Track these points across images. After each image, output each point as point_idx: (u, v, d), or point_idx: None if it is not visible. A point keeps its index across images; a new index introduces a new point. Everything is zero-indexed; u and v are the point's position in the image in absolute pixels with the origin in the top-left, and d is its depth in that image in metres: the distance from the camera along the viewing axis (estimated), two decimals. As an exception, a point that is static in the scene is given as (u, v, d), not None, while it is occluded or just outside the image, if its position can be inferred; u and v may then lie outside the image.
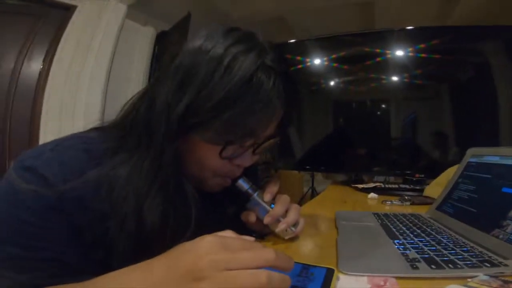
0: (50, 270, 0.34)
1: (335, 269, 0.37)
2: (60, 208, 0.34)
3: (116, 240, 0.36)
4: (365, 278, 0.35)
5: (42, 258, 0.34)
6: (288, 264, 0.29)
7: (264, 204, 0.48)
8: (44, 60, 2.02)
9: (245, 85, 0.37)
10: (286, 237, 0.50)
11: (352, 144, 1.34)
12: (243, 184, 0.48)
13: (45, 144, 0.39)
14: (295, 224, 0.50)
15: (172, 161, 0.39)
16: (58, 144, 0.39)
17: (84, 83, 2.03)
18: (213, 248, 0.27)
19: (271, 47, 0.42)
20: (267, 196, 0.49)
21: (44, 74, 2.00)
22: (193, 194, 0.42)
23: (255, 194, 0.49)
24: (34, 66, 2.01)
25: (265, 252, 0.28)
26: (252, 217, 0.50)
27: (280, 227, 0.48)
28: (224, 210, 0.52)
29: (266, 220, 0.48)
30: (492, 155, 0.57)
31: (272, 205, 0.48)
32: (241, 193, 0.49)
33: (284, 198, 0.50)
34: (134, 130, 0.41)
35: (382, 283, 0.34)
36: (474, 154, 0.64)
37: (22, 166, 0.35)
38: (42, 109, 1.97)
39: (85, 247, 0.36)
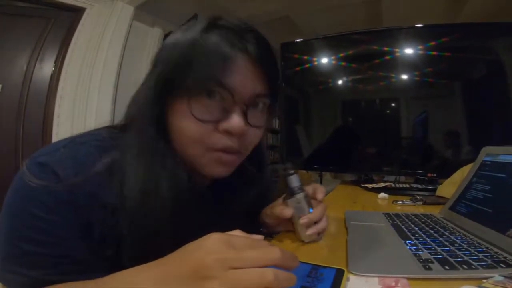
0: (62, 267, 0.34)
1: (345, 269, 0.36)
2: (71, 202, 0.35)
3: (125, 236, 0.37)
4: (375, 279, 0.35)
5: (54, 254, 0.34)
6: (294, 262, 0.29)
7: (306, 206, 0.50)
8: (55, 63, 2.06)
9: (197, 39, 0.39)
10: (307, 240, 0.51)
11: (361, 143, 1.33)
12: (294, 180, 0.50)
13: (59, 141, 0.40)
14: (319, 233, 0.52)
15: (157, 136, 0.41)
16: (71, 141, 0.40)
17: (94, 85, 2.07)
18: (219, 247, 0.27)
19: (238, 19, 0.44)
20: (319, 196, 0.52)
21: (55, 77, 2.04)
22: (185, 179, 0.42)
23: (303, 194, 0.50)
24: (46, 68, 2.05)
25: (271, 251, 0.27)
26: (288, 212, 0.50)
27: (310, 231, 0.50)
28: (235, 205, 0.52)
29: (303, 221, 0.49)
30: (507, 154, 0.56)
31: (311, 209, 0.50)
32: (289, 187, 0.50)
33: (323, 206, 0.52)
34: (131, 125, 0.43)
35: (393, 284, 0.33)
36: (489, 153, 0.63)
37: (35, 162, 0.36)
38: (54, 112, 2.01)
39: (95, 243, 0.36)
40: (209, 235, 0.29)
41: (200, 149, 0.41)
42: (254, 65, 0.40)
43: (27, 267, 0.33)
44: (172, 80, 0.39)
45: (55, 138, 1.97)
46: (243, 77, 0.40)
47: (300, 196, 0.50)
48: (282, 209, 0.52)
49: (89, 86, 2.06)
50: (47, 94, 2.03)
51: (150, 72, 0.44)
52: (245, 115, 0.41)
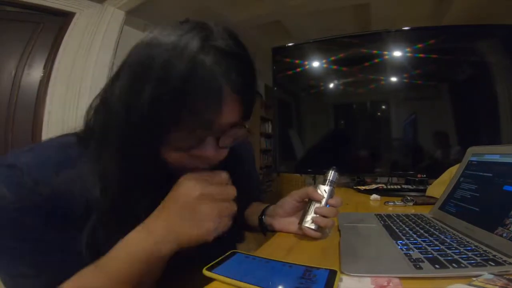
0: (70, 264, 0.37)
1: (338, 270, 0.37)
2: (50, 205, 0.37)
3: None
4: (368, 279, 0.35)
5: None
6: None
7: (325, 200, 0.55)
8: (44, 68, 2.03)
9: (194, 65, 0.35)
10: (305, 227, 0.53)
11: (353, 146, 1.34)
12: (333, 174, 0.56)
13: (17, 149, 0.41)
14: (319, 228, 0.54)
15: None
16: (34, 145, 0.42)
17: (85, 91, 2.04)
18: (201, 185, 0.39)
19: (228, 31, 0.41)
20: (338, 202, 0.56)
21: (45, 82, 2.01)
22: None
23: (331, 188, 0.55)
24: (35, 73, 2.02)
25: (231, 188, 0.43)
26: (318, 196, 0.55)
27: (314, 218, 0.53)
28: None
29: (318, 210, 0.54)
30: (492, 154, 0.57)
31: (328, 205, 0.55)
32: (325, 178, 0.56)
33: (337, 209, 0.56)
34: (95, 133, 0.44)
35: (385, 283, 0.34)
36: (474, 153, 0.64)
37: (4, 165, 0.38)
38: (43, 117, 1.98)
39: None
40: (182, 181, 0.40)
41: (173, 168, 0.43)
42: (234, 96, 0.39)
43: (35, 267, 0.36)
44: (168, 106, 0.36)
45: (44, 144, 1.94)
46: (223, 110, 0.38)
47: (329, 188, 0.55)
48: (312, 191, 0.55)
49: (79, 92, 2.04)
50: (36, 99, 1.99)
51: (132, 78, 0.39)
52: (217, 142, 0.41)
